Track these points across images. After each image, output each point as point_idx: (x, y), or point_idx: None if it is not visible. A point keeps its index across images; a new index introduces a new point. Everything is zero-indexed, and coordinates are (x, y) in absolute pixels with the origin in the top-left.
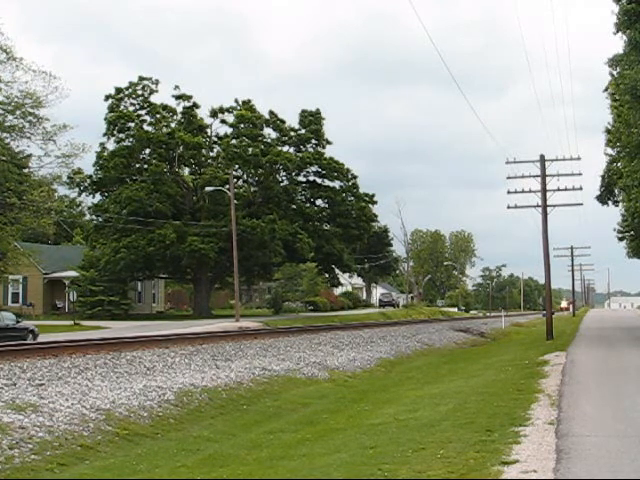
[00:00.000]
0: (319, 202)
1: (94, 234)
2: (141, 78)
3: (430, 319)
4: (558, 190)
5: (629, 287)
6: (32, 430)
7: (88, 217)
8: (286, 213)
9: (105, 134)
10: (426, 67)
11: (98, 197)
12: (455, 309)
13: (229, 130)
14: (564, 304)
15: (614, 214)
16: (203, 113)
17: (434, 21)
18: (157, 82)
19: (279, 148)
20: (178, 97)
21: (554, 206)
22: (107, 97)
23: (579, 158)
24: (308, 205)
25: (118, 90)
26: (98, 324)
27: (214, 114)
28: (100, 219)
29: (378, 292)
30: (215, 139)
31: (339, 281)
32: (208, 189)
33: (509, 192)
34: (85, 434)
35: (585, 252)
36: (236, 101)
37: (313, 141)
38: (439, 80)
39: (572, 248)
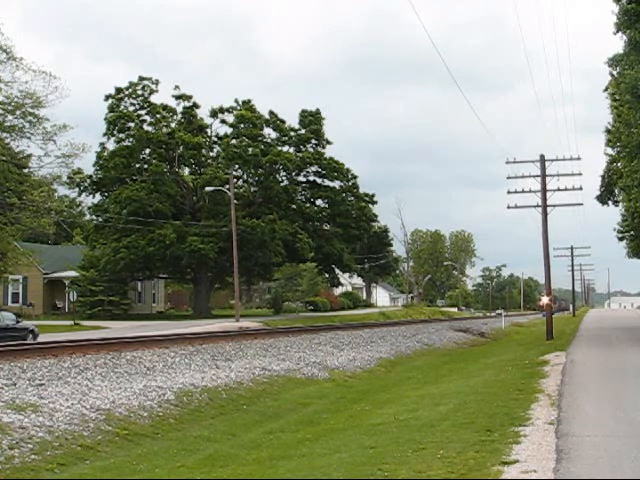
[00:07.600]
0: (319, 202)
1: (94, 234)
2: (141, 78)
3: (430, 319)
4: (558, 190)
5: (629, 287)
6: (32, 430)
7: (88, 217)
8: (286, 213)
9: (105, 134)
10: (427, 66)
11: (98, 197)
12: (455, 309)
13: (229, 130)
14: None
15: (614, 214)
16: (203, 113)
17: (435, 20)
18: (157, 82)
19: (279, 148)
20: (178, 97)
21: (554, 206)
22: (107, 97)
23: (579, 158)
24: (308, 205)
25: (118, 90)
26: (98, 324)
27: (214, 114)
28: (100, 219)
29: (379, 293)
30: (215, 139)
31: (339, 281)
32: (208, 189)
33: (509, 192)
34: (85, 434)
35: (585, 252)
36: (236, 101)
37: (313, 141)
38: (440, 79)
39: (572, 248)
